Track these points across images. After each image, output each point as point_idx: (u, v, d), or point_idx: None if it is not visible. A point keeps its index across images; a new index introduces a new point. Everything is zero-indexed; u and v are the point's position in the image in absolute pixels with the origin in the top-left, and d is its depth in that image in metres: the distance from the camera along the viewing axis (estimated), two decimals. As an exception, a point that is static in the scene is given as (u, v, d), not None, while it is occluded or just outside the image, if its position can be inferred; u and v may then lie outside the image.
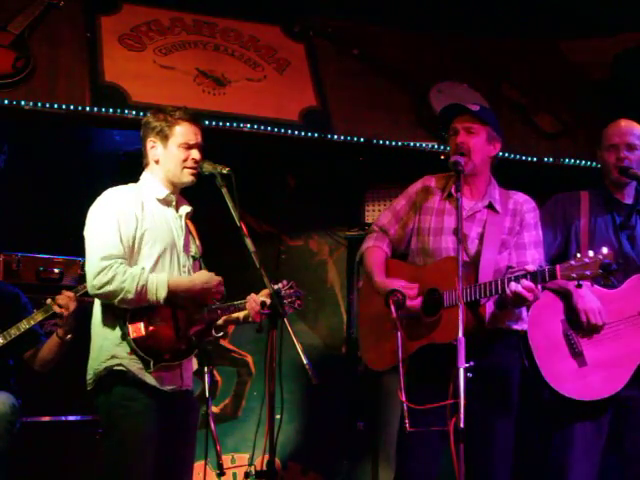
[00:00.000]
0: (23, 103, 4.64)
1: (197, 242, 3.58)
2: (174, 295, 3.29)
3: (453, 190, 3.49)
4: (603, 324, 3.59)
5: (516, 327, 3.49)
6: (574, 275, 3.13)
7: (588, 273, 3.10)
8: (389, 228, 3.67)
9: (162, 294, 3.25)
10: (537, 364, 3.61)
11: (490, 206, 3.54)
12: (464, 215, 3.46)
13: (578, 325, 3.63)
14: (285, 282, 3.45)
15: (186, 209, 3.53)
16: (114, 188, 3.42)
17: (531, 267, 3.23)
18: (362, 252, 3.70)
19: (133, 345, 3.24)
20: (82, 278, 3.52)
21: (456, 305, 3.19)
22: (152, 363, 3.25)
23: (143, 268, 3.29)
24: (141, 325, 3.27)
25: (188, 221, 3.58)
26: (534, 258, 3.50)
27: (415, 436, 3.19)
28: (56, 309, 3.84)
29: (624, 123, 3.85)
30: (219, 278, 3.41)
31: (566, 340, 3.64)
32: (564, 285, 3.61)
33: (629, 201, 3.86)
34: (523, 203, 3.58)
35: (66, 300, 3.83)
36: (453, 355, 3.03)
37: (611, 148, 3.80)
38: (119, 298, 3.23)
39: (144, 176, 3.49)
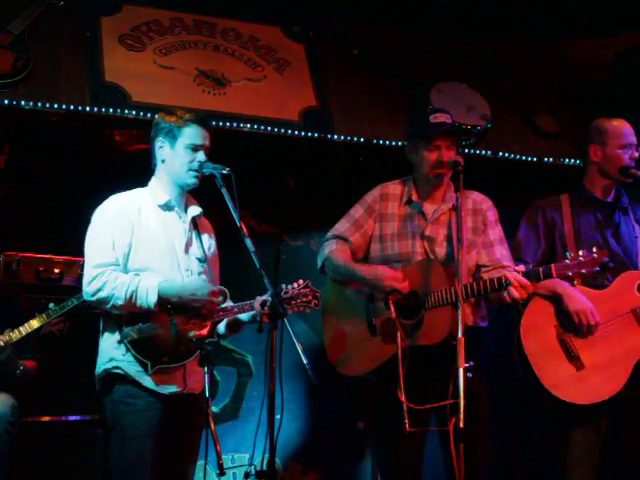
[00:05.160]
0: (23, 103, 4.64)
1: (209, 244, 3.57)
2: (165, 300, 3.30)
3: (413, 196, 3.63)
4: (597, 324, 3.58)
5: (482, 324, 3.56)
6: (570, 273, 3.16)
7: (584, 271, 3.13)
8: (349, 236, 3.70)
9: (152, 300, 3.27)
10: (535, 373, 3.58)
11: (454, 208, 3.55)
12: (429, 219, 3.55)
13: (572, 328, 3.61)
14: (301, 281, 3.46)
15: (195, 212, 3.54)
16: (114, 195, 3.46)
17: (521, 267, 3.28)
18: (326, 256, 3.70)
19: (130, 348, 3.26)
20: (81, 278, 3.53)
21: (440, 306, 3.29)
22: (150, 366, 3.26)
23: (136, 274, 3.31)
24: (138, 328, 3.28)
25: (203, 222, 3.59)
26: (502, 254, 3.57)
27: (400, 437, 3.22)
28: None
29: (626, 122, 3.88)
30: (214, 288, 3.38)
31: (561, 345, 3.62)
32: (552, 289, 3.61)
33: (610, 199, 3.87)
34: (481, 202, 3.66)
35: None
36: (443, 355, 3.10)
37: (627, 147, 3.81)
38: (110, 304, 3.28)
39: (150, 182, 3.53)
